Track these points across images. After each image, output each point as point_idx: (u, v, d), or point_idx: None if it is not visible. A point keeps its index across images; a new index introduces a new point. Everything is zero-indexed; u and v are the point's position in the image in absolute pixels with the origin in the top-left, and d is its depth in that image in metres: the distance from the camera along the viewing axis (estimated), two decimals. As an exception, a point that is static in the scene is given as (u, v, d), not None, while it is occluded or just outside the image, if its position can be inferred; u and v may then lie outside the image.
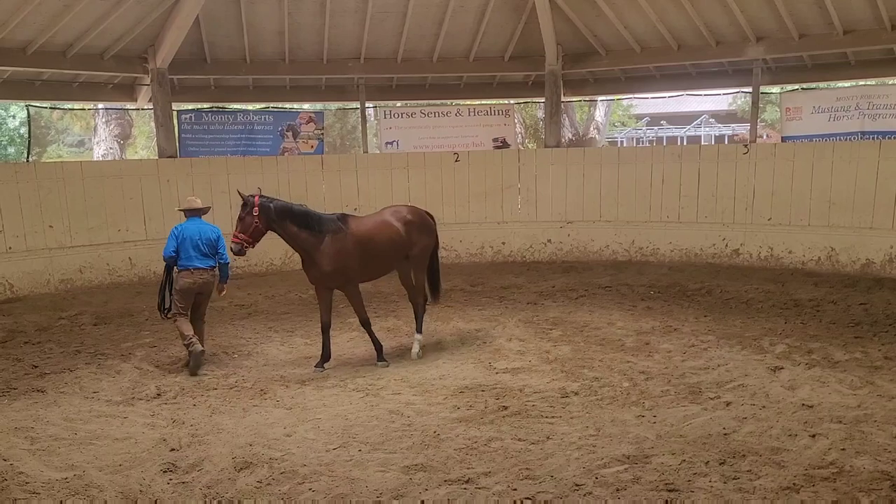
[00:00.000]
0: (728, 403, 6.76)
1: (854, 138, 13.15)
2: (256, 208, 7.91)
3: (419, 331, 8.89)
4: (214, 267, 8.40)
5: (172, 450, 6.00)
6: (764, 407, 6.63)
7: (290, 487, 5.29)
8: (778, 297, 11.18)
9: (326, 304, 8.38)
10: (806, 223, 13.32)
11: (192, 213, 8.58)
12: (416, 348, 8.71)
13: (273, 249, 12.91)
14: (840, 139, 13.27)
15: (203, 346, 8.35)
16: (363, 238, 8.32)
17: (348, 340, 9.34)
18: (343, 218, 8.41)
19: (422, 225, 8.93)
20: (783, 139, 14.19)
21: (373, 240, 8.41)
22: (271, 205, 8.01)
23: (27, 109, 15.18)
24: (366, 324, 8.46)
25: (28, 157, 15.47)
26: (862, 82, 14.04)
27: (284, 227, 8.05)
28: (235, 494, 5.21)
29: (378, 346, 8.48)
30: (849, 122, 13.26)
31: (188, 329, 8.20)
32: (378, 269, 8.70)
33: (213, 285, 8.48)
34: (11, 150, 26.06)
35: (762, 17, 13.15)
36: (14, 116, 25.72)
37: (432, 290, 9.30)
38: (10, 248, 12.32)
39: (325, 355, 8.35)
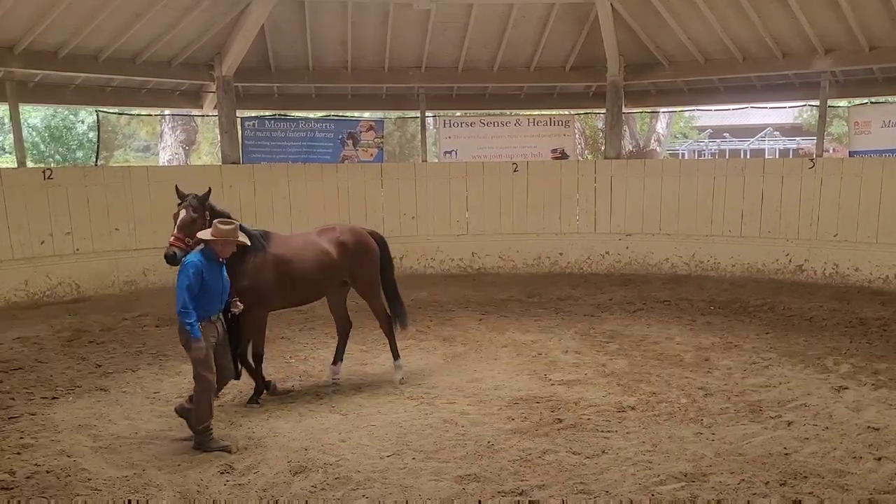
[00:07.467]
0: (789, 423, 6.60)
1: (925, 153, 12.77)
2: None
3: (397, 356, 8.22)
4: None
5: (230, 452, 6.08)
6: (827, 428, 6.46)
7: (344, 493, 5.33)
8: (843, 315, 10.89)
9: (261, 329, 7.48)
10: (874, 240, 12.94)
11: None
12: (398, 374, 8.07)
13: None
14: (911, 154, 12.91)
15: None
16: (282, 259, 7.39)
17: (403, 348, 9.35)
18: (266, 235, 7.46)
19: (359, 248, 7.97)
20: (851, 154, 13.85)
21: (293, 262, 7.46)
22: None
23: (96, 115, 15.57)
24: (257, 358, 7.43)
25: (97, 161, 15.92)
26: (934, 96, 13.69)
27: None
28: (290, 498, 5.26)
29: (259, 386, 7.47)
30: (920, 137, 12.89)
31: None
32: (300, 294, 7.79)
33: None
34: (80, 154, 26.81)
35: (831, 29, 12.81)
36: (83, 121, 26.46)
37: (398, 316, 8.42)
38: (77, 249, 12.65)
39: (259, 387, 7.50)
